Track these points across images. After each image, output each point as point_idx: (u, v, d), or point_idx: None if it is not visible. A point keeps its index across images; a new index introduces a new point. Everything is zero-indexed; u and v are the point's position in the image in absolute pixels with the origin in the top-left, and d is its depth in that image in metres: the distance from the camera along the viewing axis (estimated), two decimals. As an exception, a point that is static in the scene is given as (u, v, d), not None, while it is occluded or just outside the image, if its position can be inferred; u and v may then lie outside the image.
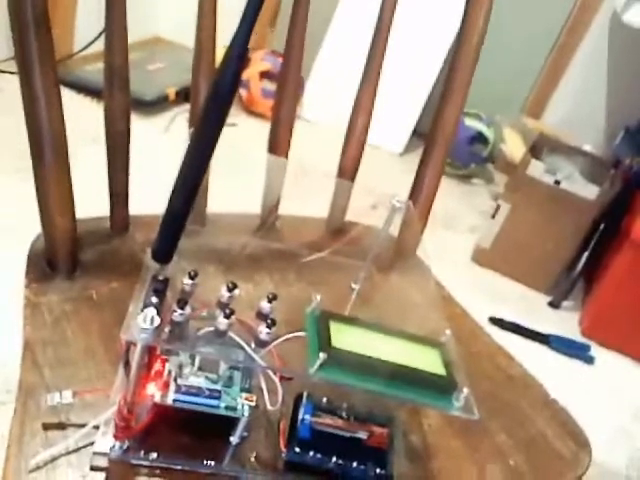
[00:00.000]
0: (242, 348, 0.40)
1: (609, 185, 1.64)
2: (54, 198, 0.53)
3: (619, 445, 1.28)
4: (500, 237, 1.76)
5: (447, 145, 0.73)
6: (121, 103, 0.58)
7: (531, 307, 1.70)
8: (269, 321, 0.40)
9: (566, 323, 1.67)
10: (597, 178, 1.65)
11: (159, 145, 1.80)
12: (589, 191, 1.62)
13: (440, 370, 0.42)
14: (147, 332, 0.35)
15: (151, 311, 0.35)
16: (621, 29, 2.06)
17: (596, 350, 1.59)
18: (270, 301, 0.44)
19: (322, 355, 0.38)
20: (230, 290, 0.43)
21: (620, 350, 1.60)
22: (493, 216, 1.76)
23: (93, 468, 0.41)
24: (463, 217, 2.05)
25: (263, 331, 0.40)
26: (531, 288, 1.76)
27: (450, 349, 0.44)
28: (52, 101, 0.50)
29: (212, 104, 0.35)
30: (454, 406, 0.40)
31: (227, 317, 0.39)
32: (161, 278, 0.40)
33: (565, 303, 1.73)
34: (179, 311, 0.39)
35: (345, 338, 0.41)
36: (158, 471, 0.41)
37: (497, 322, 1.54)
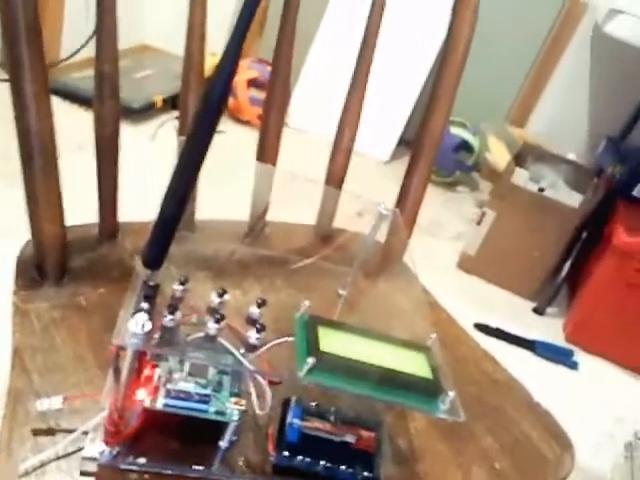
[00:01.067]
0: (231, 353, 0.41)
1: (592, 193, 1.66)
2: (43, 204, 0.53)
3: (603, 450, 1.29)
4: (485, 244, 1.78)
5: (433, 153, 0.74)
6: (111, 110, 0.58)
7: (516, 313, 1.72)
8: (258, 326, 0.41)
9: (550, 329, 1.69)
10: (580, 186, 1.68)
11: (146, 152, 1.80)
12: (572, 199, 1.65)
13: (427, 374, 0.43)
14: (138, 337, 0.36)
15: (142, 316, 0.35)
16: (603, 40, 2.10)
17: (580, 355, 1.61)
18: (259, 306, 0.45)
19: (310, 359, 0.39)
20: (220, 296, 0.44)
21: (604, 355, 1.63)
22: (478, 223, 1.77)
23: (82, 473, 0.41)
24: (448, 224, 2.06)
25: (252, 336, 0.41)
26: (516, 294, 1.78)
27: (436, 353, 0.45)
28: (42, 107, 0.50)
29: (203, 114, 0.36)
30: (440, 409, 0.41)
31: (217, 322, 0.40)
32: (151, 284, 0.40)
33: (549, 309, 1.75)
34: (169, 316, 0.39)
35: (333, 343, 0.42)
36: (147, 476, 0.42)
37: (482, 328, 1.56)
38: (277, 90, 0.70)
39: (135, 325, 0.35)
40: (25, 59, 0.48)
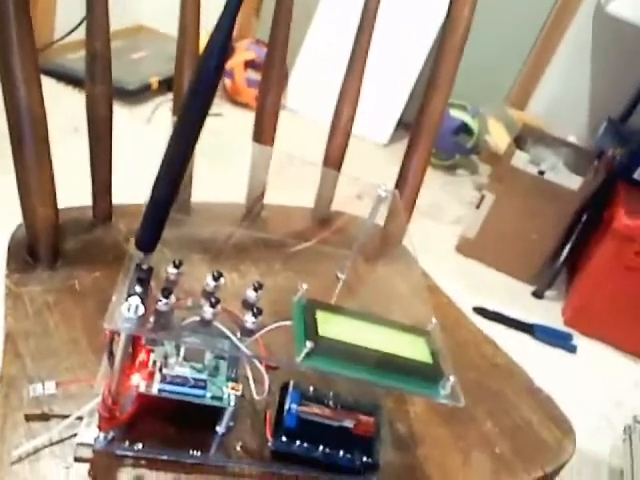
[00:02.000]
0: (228, 337, 0.40)
1: (592, 176, 1.65)
2: (35, 185, 0.52)
3: (602, 433, 1.29)
4: (484, 227, 1.77)
5: (433, 134, 0.73)
6: (103, 89, 0.57)
7: (515, 297, 1.71)
8: (255, 309, 0.40)
9: (549, 313, 1.69)
10: (580, 169, 1.67)
11: (142, 135, 1.78)
12: (573, 182, 1.63)
13: (427, 358, 0.42)
14: (131, 321, 0.35)
15: (135, 300, 0.35)
16: (605, 20, 2.07)
17: (578, 339, 1.61)
18: (256, 290, 0.44)
19: (309, 344, 0.38)
20: (216, 279, 0.43)
21: (602, 339, 1.63)
22: (477, 206, 1.76)
23: (77, 459, 0.40)
24: (447, 208, 2.05)
25: (249, 320, 0.40)
26: (515, 278, 1.78)
27: (436, 338, 0.44)
28: (32, 85, 0.49)
29: (196, 91, 0.35)
30: (441, 394, 0.40)
31: (213, 306, 0.39)
32: (145, 267, 0.39)
33: (548, 293, 1.75)
34: (164, 300, 0.38)
35: (332, 327, 0.41)
36: (143, 462, 0.41)
37: (481, 312, 1.56)
38: (273, 70, 0.69)
39: (128, 309, 0.34)
40: (14, 36, 0.46)
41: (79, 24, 1.95)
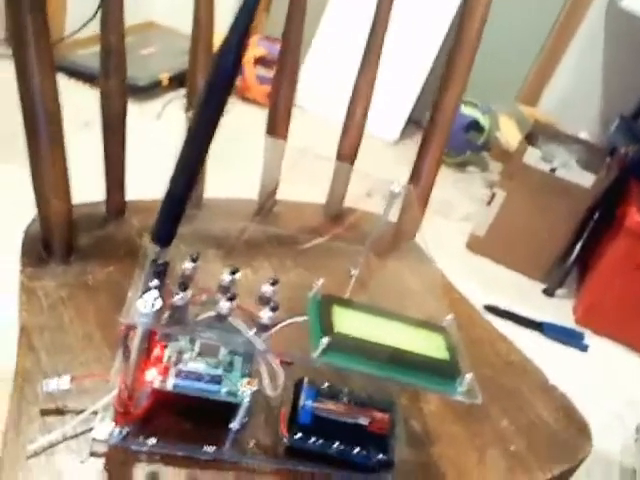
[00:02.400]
0: (243, 333, 0.40)
1: (605, 173, 1.64)
2: (49, 179, 0.52)
3: (613, 431, 1.28)
4: (495, 225, 1.76)
5: (447, 131, 0.73)
6: (117, 84, 0.57)
7: (526, 295, 1.70)
8: (272, 304, 0.40)
9: (560, 311, 1.67)
10: (593, 166, 1.65)
11: (152, 131, 1.78)
12: (585, 179, 1.62)
13: (444, 355, 0.42)
14: (147, 316, 0.35)
15: (152, 294, 0.34)
16: (618, 16, 2.05)
17: (590, 338, 1.60)
18: (272, 285, 0.43)
19: (325, 339, 0.38)
20: (232, 274, 0.43)
21: (614, 337, 1.61)
22: (488, 204, 1.75)
23: (92, 454, 0.40)
24: (458, 205, 2.04)
25: (265, 315, 0.40)
26: (526, 276, 1.77)
27: (452, 334, 0.44)
28: (47, 78, 0.49)
29: (213, 87, 0.34)
30: (458, 391, 0.39)
31: (229, 300, 0.39)
32: (161, 262, 0.39)
33: (559, 291, 1.74)
34: (180, 294, 0.38)
35: (348, 323, 0.41)
36: (158, 457, 0.41)
37: (492, 309, 1.55)
38: (287, 65, 0.68)
39: (144, 304, 0.34)
40: (29, 27, 0.46)
41: (89, 20, 1.95)
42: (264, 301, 0.42)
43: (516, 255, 1.76)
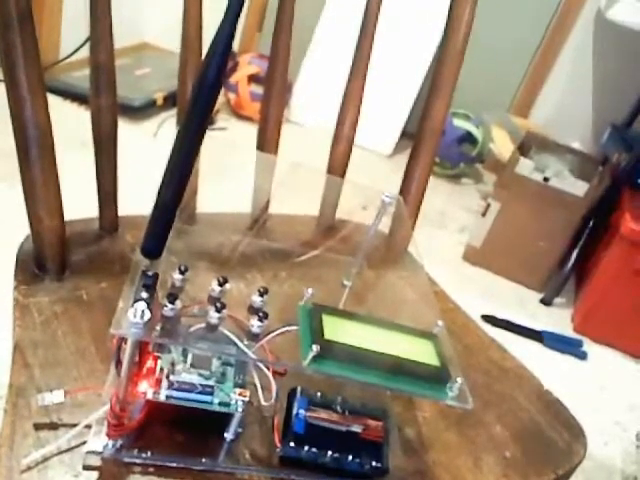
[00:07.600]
0: (234, 343, 0.40)
1: (598, 182, 1.65)
2: (42, 198, 0.53)
3: (614, 439, 1.28)
4: (491, 235, 1.77)
5: (436, 141, 0.73)
6: (108, 101, 0.57)
7: (523, 304, 1.70)
8: (261, 314, 0.40)
9: (558, 319, 1.68)
10: (586, 175, 1.66)
11: (149, 150, 1.79)
12: (578, 188, 1.63)
13: (434, 361, 0.42)
14: (138, 327, 0.35)
15: (141, 305, 0.35)
16: (605, 26, 2.08)
17: (589, 346, 1.60)
18: (262, 295, 0.44)
19: (315, 347, 0.38)
20: (221, 285, 0.43)
21: (612, 345, 1.61)
22: (483, 215, 1.76)
23: (86, 467, 0.40)
24: (453, 217, 2.05)
25: (255, 324, 0.40)
26: (523, 285, 1.77)
27: (443, 340, 0.44)
28: (37, 98, 0.49)
29: (198, 96, 0.35)
30: (448, 395, 0.40)
31: (218, 310, 0.39)
32: (150, 273, 0.39)
33: (557, 300, 1.74)
34: (170, 306, 0.38)
35: (338, 331, 0.41)
36: (152, 469, 0.41)
37: (490, 319, 1.55)
38: (276, 81, 0.69)
39: (134, 314, 0.35)
40: (19, 48, 0.47)
41: (84, 43, 1.97)
42: (254, 311, 0.43)
43: (512, 265, 1.77)
